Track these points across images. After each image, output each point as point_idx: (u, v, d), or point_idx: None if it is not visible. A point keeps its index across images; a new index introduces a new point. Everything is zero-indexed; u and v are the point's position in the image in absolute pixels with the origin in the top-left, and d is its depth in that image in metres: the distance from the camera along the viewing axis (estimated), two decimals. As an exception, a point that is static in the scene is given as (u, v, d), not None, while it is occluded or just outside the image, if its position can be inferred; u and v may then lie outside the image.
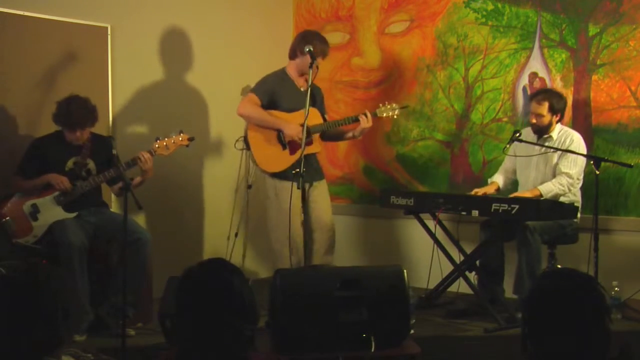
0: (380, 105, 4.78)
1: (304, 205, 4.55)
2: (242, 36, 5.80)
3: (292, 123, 4.59)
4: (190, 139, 4.40)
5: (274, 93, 4.68)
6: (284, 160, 4.63)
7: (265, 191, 4.83)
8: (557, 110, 4.63)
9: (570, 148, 4.55)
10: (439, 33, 5.55)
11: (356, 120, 4.70)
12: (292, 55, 4.75)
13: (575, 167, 4.58)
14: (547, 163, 4.69)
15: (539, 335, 1.88)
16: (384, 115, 4.77)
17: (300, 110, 4.53)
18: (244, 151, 4.96)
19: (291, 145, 4.62)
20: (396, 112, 4.80)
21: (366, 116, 4.65)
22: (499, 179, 4.92)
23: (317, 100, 4.81)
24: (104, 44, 4.90)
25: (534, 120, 4.68)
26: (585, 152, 4.61)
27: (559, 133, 4.67)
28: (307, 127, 4.36)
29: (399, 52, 5.75)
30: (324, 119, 4.80)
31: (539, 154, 4.70)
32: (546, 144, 4.66)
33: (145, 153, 4.20)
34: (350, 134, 4.84)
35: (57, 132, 4.31)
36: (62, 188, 4.19)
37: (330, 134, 4.87)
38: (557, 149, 4.59)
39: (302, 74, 4.70)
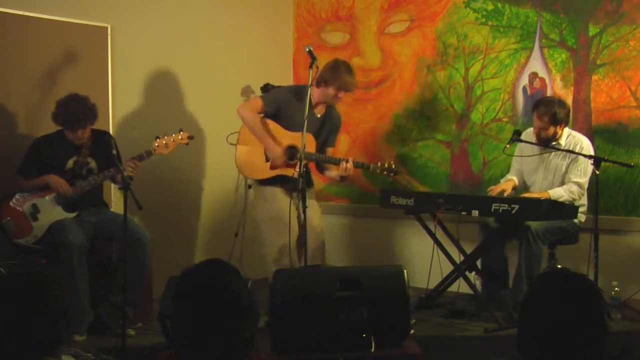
0: (379, 163, 4.58)
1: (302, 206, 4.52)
2: (242, 36, 5.80)
3: (277, 148, 4.52)
4: (190, 138, 4.39)
5: (283, 106, 4.60)
6: (262, 171, 4.60)
7: (255, 196, 4.80)
8: (559, 120, 4.54)
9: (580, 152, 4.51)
10: (439, 33, 5.55)
11: (338, 162, 4.53)
12: (318, 83, 4.59)
13: (585, 176, 4.55)
14: (555, 170, 4.65)
15: (536, 335, 1.89)
16: (378, 172, 4.57)
17: (300, 132, 4.43)
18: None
19: (273, 162, 4.60)
20: (391, 175, 4.59)
21: (347, 162, 4.48)
22: (513, 177, 4.89)
23: (328, 128, 4.71)
24: (104, 44, 4.90)
25: (536, 132, 4.61)
26: (591, 149, 4.59)
27: (567, 139, 4.61)
28: (296, 150, 4.38)
29: (399, 52, 5.75)
30: (321, 151, 4.69)
31: (543, 154, 4.67)
32: (555, 153, 4.62)
33: (130, 163, 4.17)
34: (333, 174, 4.67)
35: (58, 132, 4.31)
36: (60, 192, 4.19)
37: (320, 167, 4.81)
38: (558, 149, 4.57)
39: (320, 102, 4.61)
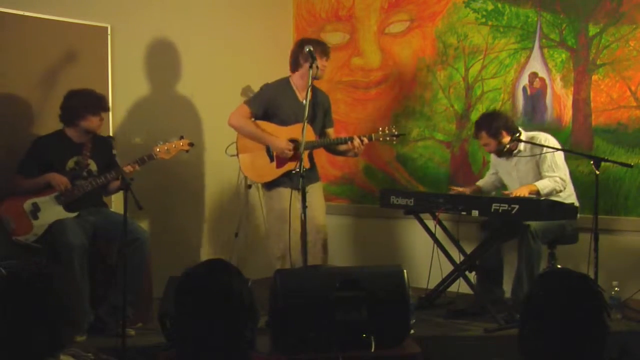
0: (380, 129, 4.68)
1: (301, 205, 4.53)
2: (242, 36, 5.80)
3: (280, 138, 4.56)
4: (191, 145, 4.44)
5: (270, 103, 4.63)
6: (269, 172, 4.62)
7: (264, 197, 4.84)
8: (496, 133, 4.59)
9: (544, 149, 4.57)
10: (439, 33, 5.55)
11: (346, 142, 4.61)
12: (294, 66, 4.66)
13: (558, 169, 4.58)
14: (527, 174, 4.67)
15: (536, 335, 1.89)
16: (380, 139, 4.68)
17: (295, 125, 4.50)
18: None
19: (278, 159, 4.60)
20: (394, 139, 4.70)
21: (352, 142, 4.55)
22: (481, 181, 5.04)
23: (320, 110, 4.73)
24: (104, 44, 4.90)
25: (487, 150, 4.77)
26: (557, 146, 4.62)
27: (524, 144, 4.65)
28: (298, 142, 4.35)
29: (399, 52, 5.75)
30: (322, 134, 4.75)
31: (511, 159, 4.72)
32: (520, 156, 4.67)
33: (127, 167, 4.19)
34: (351, 153, 4.74)
35: (59, 132, 4.33)
36: (61, 189, 4.19)
37: (331, 149, 4.84)
38: (551, 147, 4.58)
39: (303, 87, 4.58)
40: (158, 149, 4.31)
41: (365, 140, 4.61)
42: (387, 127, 4.70)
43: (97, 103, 4.30)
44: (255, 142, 4.63)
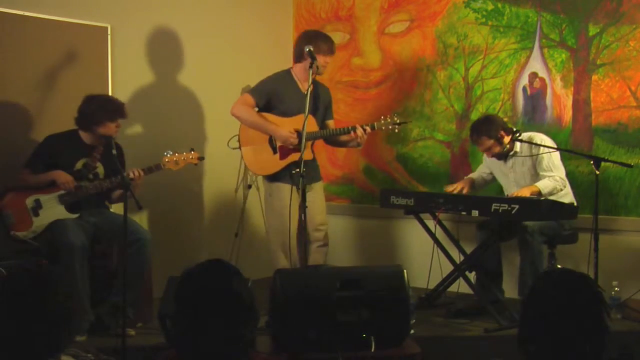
0: (382, 118, 4.67)
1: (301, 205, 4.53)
2: (242, 36, 5.80)
3: (282, 130, 4.54)
4: (200, 159, 4.43)
5: (273, 95, 4.62)
6: (273, 164, 4.61)
7: (264, 192, 4.85)
8: (496, 135, 4.59)
9: (541, 149, 4.57)
10: (439, 33, 5.55)
11: (349, 132, 4.59)
12: (297, 57, 4.66)
13: (555, 169, 4.59)
14: (524, 176, 4.68)
15: (536, 335, 1.89)
16: (383, 128, 4.67)
17: (298, 116, 4.50)
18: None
19: (281, 150, 4.59)
20: (396, 127, 4.69)
21: (355, 131, 4.53)
22: (473, 174, 5.03)
23: (322, 103, 4.73)
24: (104, 44, 4.89)
25: (488, 155, 4.73)
26: (552, 144, 4.63)
27: (521, 144, 4.65)
28: (301, 133, 4.35)
29: (399, 52, 5.75)
30: (323, 126, 4.75)
31: (507, 161, 4.73)
32: (516, 159, 4.68)
33: (134, 170, 4.19)
34: (353, 143, 4.72)
35: (72, 132, 4.31)
36: (66, 188, 4.18)
37: (332, 140, 4.84)
38: (550, 147, 4.59)
39: (305, 78, 4.55)
40: (167, 160, 4.28)
41: (368, 129, 4.57)
42: (389, 116, 4.68)
43: (115, 109, 4.26)
44: (258, 134, 4.61)
